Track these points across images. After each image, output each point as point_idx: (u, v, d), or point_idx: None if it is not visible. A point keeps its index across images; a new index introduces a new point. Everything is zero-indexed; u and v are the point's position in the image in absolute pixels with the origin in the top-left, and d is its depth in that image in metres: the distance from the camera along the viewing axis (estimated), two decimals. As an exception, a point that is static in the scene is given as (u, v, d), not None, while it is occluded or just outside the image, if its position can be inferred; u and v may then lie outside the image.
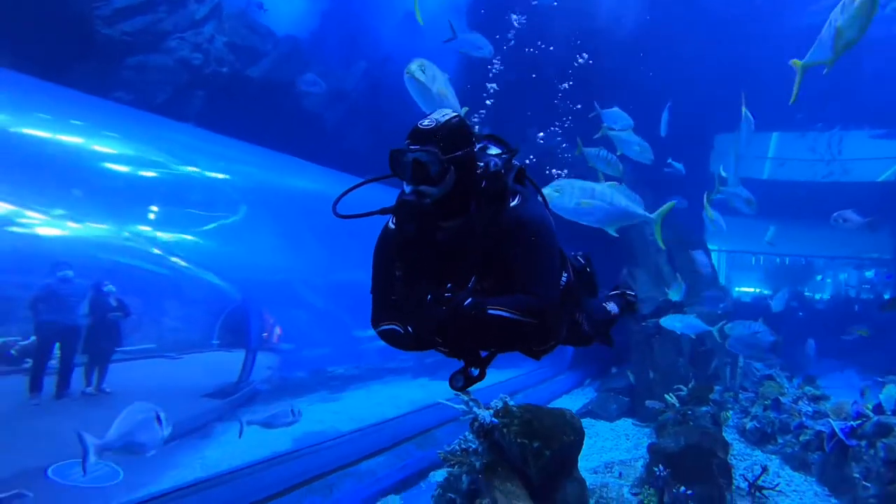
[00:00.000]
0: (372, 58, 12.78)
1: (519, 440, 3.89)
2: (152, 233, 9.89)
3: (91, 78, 8.94)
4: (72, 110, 9.25)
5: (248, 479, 5.12)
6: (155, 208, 10.19)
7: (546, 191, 4.15)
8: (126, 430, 4.11)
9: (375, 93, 12.56)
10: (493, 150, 2.27)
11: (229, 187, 11.49)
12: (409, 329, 2.11)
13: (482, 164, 2.12)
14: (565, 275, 2.35)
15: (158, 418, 4.17)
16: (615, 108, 7.97)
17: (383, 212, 2.20)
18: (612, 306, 3.11)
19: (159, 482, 4.97)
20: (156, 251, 9.64)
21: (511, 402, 4.41)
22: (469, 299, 1.96)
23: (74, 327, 7.28)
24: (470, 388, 2.22)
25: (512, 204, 2.13)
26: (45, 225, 8.15)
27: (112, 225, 9.11)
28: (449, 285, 2.05)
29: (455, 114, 2.13)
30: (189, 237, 10.54)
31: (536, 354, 2.34)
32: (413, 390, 8.55)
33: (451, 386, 2.16)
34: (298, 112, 11.44)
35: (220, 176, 11.40)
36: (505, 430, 3.97)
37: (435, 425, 6.68)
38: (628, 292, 3.32)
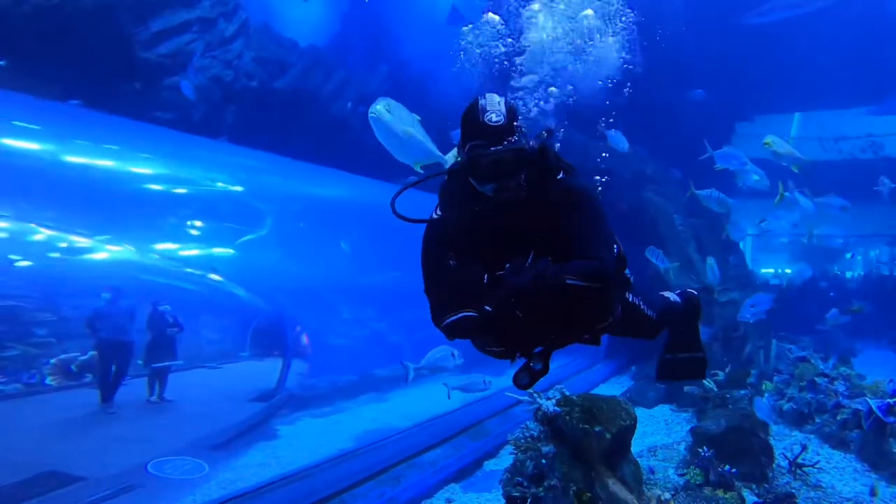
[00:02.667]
0: (394, 60, 13.27)
1: (581, 425, 4.41)
2: (184, 250, 10.51)
3: (132, 100, 9.57)
4: (108, 135, 9.87)
5: (322, 474, 5.70)
6: (192, 225, 10.80)
7: (379, 107, 4.23)
8: (434, 359, 5.33)
9: (398, 95, 13.03)
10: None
11: (256, 199, 12.07)
12: (487, 308, 2.11)
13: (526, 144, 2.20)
14: (615, 246, 2.41)
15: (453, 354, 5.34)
16: (726, 148, 8.55)
17: (467, 212, 2.26)
18: (671, 295, 3.16)
19: (245, 479, 5.57)
20: (189, 270, 10.23)
21: (567, 392, 4.92)
22: (544, 269, 2.06)
23: (122, 343, 7.96)
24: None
25: (559, 177, 2.28)
26: (91, 249, 8.78)
27: (148, 245, 9.73)
28: (508, 266, 2.15)
29: (502, 97, 2.20)
30: (220, 251, 11.15)
31: (595, 337, 2.45)
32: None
33: (517, 384, 2.27)
34: (325, 119, 11.97)
35: (248, 189, 11.95)
36: (567, 416, 4.49)
37: (485, 417, 7.22)
38: (689, 289, 3.35)
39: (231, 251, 11.21)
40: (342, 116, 12.25)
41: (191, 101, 9.73)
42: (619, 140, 9.42)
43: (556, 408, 4.57)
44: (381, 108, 4.13)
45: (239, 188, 11.28)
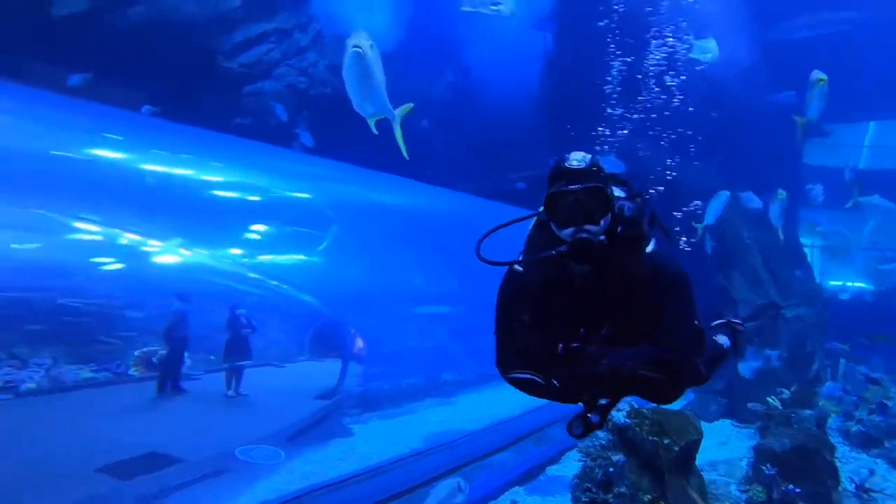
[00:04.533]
0: (457, 67, 13.71)
1: (651, 437, 4.74)
2: (253, 256, 11.22)
3: (211, 108, 10.34)
4: (183, 144, 10.64)
5: (397, 470, 6.20)
6: (254, 232, 11.49)
7: (363, 41, 3.71)
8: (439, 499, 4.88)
9: (460, 103, 13.48)
10: (617, 192, 2.26)
11: (325, 206, 12.67)
12: (553, 382, 2.15)
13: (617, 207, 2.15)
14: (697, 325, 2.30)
15: (460, 487, 4.97)
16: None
17: (544, 256, 2.14)
18: (722, 339, 3.04)
19: (326, 472, 6.12)
20: (252, 275, 10.92)
21: (636, 405, 5.26)
22: (619, 361, 2.06)
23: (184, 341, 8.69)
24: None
25: (648, 250, 2.16)
26: (164, 252, 9.55)
27: (220, 250, 10.46)
28: (582, 331, 2.16)
29: (589, 154, 2.16)
30: (288, 257, 11.84)
31: (663, 401, 2.39)
32: (520, 393, 9.43)
33: (570, 432, 2.18)
34: (390, 125, 12.51)
35: (317, 196, 12.55)
36: (637, 428, 4.83)
37: (547, 423, 7.59)
38: (734, 321, 3.22)
39: (299, 257, 11.90)
40: (402, 122, 12.74)
41: (274, 111, 10.43)
42: (751, 200, 10.00)
43: (626, 419, 4.91)
44: (367, 44, 3.63)
45: (308, 195, 11.92)
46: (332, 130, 11.40)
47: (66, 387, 7.34)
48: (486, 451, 6.77)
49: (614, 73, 10.59)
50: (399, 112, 4.55)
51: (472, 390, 10.32)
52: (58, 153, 8.60)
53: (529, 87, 13.53)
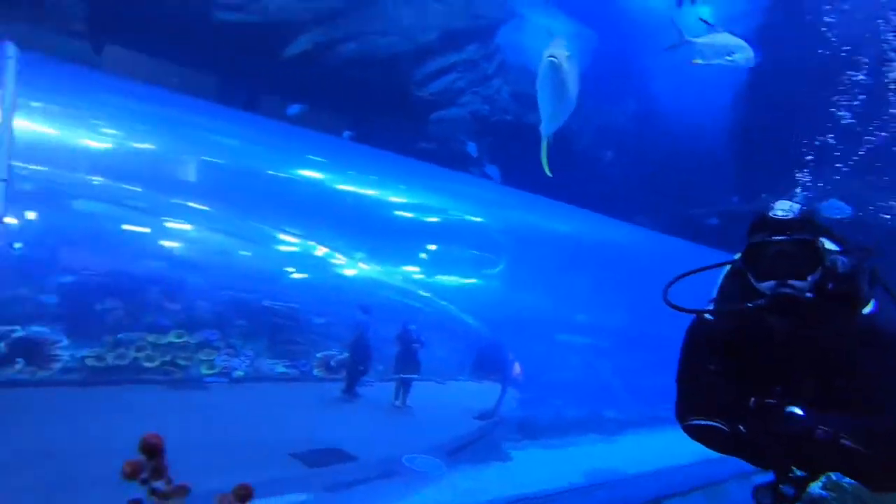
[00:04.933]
0: (641, 96, 13.39)
1: (852, 518, 4.22)
2: (423, 274, 11.80)
3: (402, 133, 11.23)
4: (372, 166, 11.58)
5: (557, 502, 6.15)
6: (429, 252, 12.10)
7: (561, 52, 3.57)
8: None
9: (642, 134, 13.12)
10: (829, 245, 2.02)
11: (495, 232, 12.98)
12: (740, 429, 2.00)
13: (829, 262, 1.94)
14: None
15: None
16: None
17: (740, 308, 2.01)
18: None
19: (486, 491, 6.27)
20: (424, 293, 11.45)
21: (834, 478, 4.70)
22: (820, 424, 1.85)
23: (367, 350, 9.30)
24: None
25: (865, 311, 1.95)
26: (348, 266, 10.38)
27: (393, 267, 11.15)
28: (778, 388, 1.98)
29: (798, 204, 2.01)
30: (456, 279, 12.29)
31: (873, 484, 2.09)
32: (694, 443, 8.82)
33: (756, 501, 2.02)
34: (570, 154, 12.56)
35: (488, 221, 12.90)
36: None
37: (724, 479, 7.01)
38: None
39: (468, 280, 12.36)
40: (581, 150, 12.74)
41: (451, 133, 11.08)
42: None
43: (822, 491, 4.42)
44: (563, 55, 3.47)
45: (482, 220, 12.36)
46: (511, 157, 11.76)
47: (265, 378, 8.40)
48: (650, 497, 6.44)
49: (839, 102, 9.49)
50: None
51: (637, 431, 9.86)
52: (272, 173, 9.94)
53: (723, 116, 12.79)
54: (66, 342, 6.48)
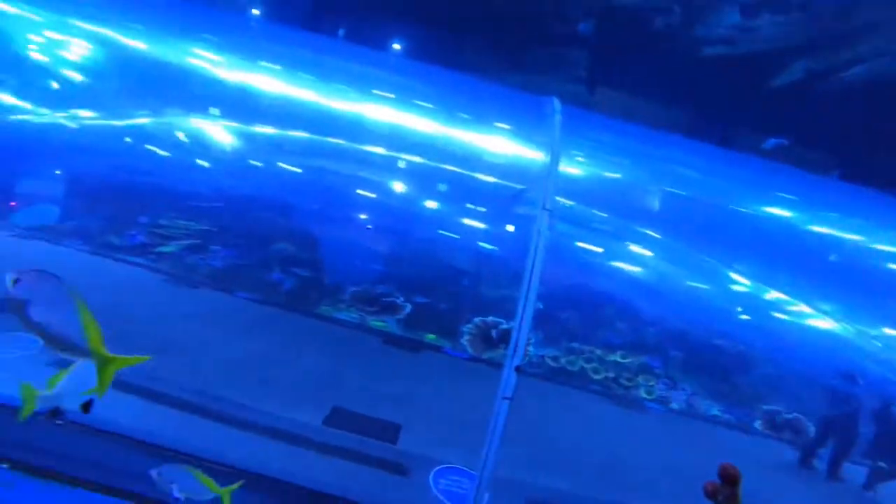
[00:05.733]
0: None
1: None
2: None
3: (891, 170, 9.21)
4: (856, 208, 9.73)
5: None
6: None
7: None
8: None
9: None
10: None
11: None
12: None
13: None
14: None
15: None
16: None
17: None
18: None
19: None
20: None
21: None
22: None
23: (853, 426, 7.80)
24: None
25: None
26: (811, 317, 8.96)
27: (872, 328, 9.13)
28: None
29: None
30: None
31: None
32: None
33: None
34: None
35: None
36: None
37: None
38: None
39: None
40: None
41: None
42: None
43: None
44: None
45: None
46: None
47: (698, 416, 8.12)
48: None
49: None
50: None
51: None
52: (732, 207, 9.49)
53: None
54: (534, 340, 7.63)
